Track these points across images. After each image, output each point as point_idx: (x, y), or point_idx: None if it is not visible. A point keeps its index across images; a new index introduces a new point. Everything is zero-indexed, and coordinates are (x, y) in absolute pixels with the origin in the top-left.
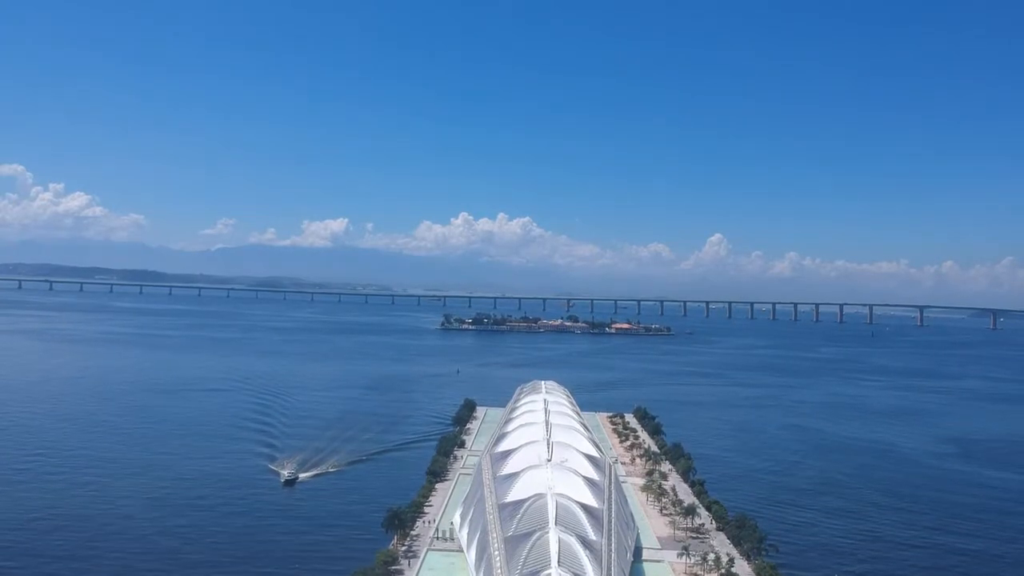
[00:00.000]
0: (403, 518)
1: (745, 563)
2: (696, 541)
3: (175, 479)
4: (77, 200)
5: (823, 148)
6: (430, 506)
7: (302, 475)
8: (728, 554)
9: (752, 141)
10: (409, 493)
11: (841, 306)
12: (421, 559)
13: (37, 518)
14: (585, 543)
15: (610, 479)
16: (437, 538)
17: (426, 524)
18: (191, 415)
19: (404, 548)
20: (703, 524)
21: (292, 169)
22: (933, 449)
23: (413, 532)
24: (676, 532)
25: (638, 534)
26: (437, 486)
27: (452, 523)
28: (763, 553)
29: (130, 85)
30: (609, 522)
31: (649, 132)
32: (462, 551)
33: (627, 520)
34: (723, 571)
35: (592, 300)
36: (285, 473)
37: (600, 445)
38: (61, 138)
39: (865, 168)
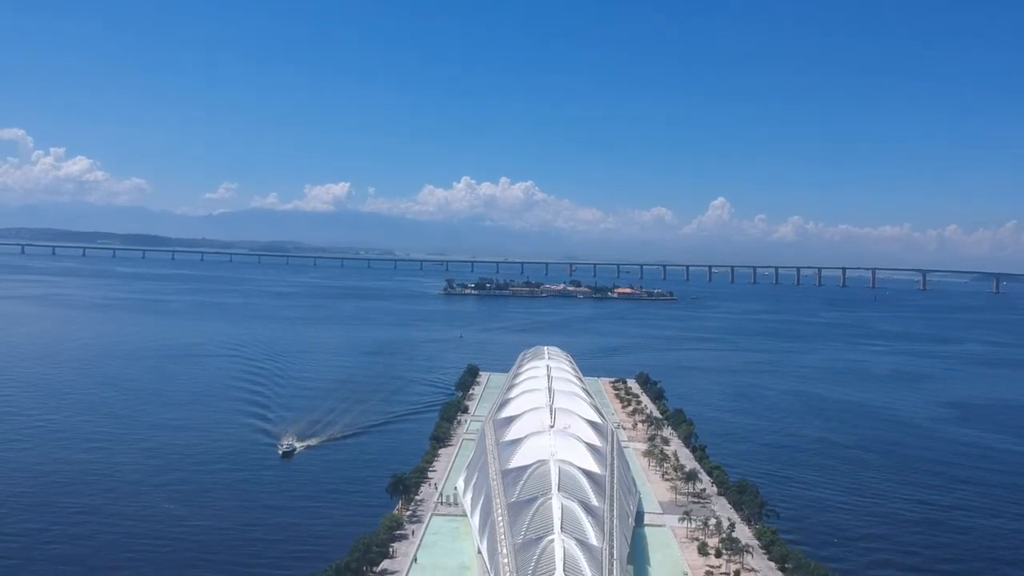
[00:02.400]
0: (407, 483)
1: (746, 528)
2: (697, 506)
3: (171, 449)
4: (78, 164)
5: (827, 112)
6: (434, 471)
7: (301, 445)
8: (729, 519)
9: (755, 105)
10: (413, 460)
11: (844, 270)
12: (425, 524)
13: (41, 482)
14: (587, 509)
15: (612, 445)
16: (441, 503)
17: (432, 488)
18: (191, 381)
19: (408, 513)
20: (704, 489)
21: (294, 133)
22: (933, 414)
23: (417, 497)
24: (677, 497)
25: (640, 499)
26: (441, 451)
27: (456, 488)
28: (764, 518)
29: (130, 49)
30: (611, 488)
31: (652, 96)
32: (466, 516)
33: (629, 485)
34: (724, 535)
35: (595, 265)
36: (283, 445)
37: (602, 411)
38: (61, 102)
39: (869, 132)
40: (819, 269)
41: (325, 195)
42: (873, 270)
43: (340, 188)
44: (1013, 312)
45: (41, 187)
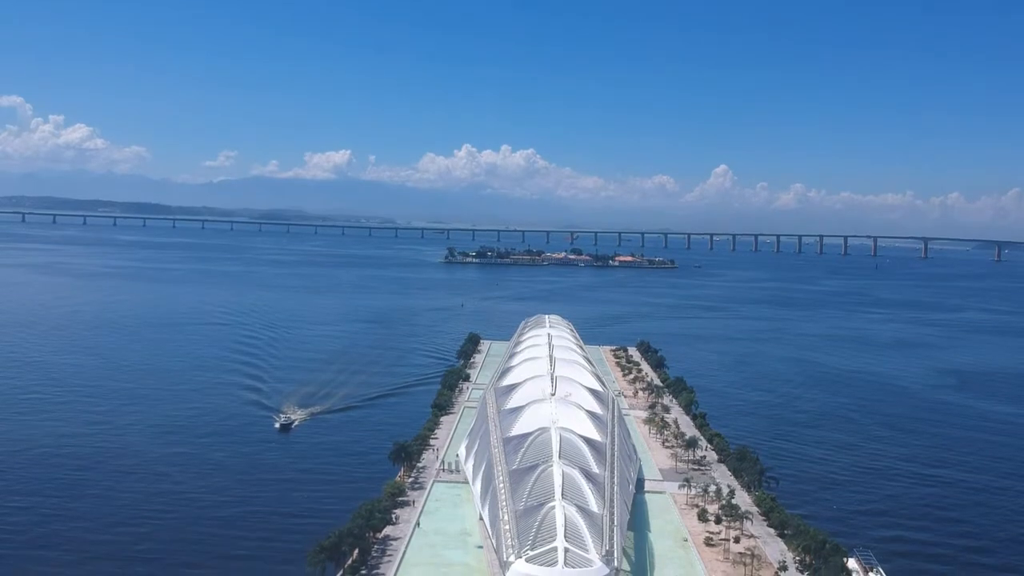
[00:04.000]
0: (409, 451)
1: (746, 495)
2: (697, 473)
3: (167, 420)
4: (78, 132)
5: (830, 79)
6: (435, 439)
7: (300, 416)
8: (729, 486)
9: (758, 72)
10: (414, 429)
11: (845, 238)
12: (427, 490)
13: (44, 448)
14: (588, 476)
15: (613, 412)
16: (443, 470)
17: (434, 455)
18: (190, 351)
19: (411, 480)
20: (704, 456)
21: (294, 100)
22: (932, 382)
23: (419, 464)
24: (678, 464)
25: (640, 466)
26: (442, 419)
27: (457, 456)
28: (764, 485)
29: (128, 16)
30: (612, 455)
31: (654, 64)
32: (467, 483)
33: (629, 453)
34: (724, 502)
35: (596, 233)
36: (281, 418)
37: (603, 379)
38: (60, 69)
39: (872, 99)
40: (821, 237)
41: (326, 163)
42: (875, 238)
43: (341, 156)
44: (1014, 280)
45: (41, 155)
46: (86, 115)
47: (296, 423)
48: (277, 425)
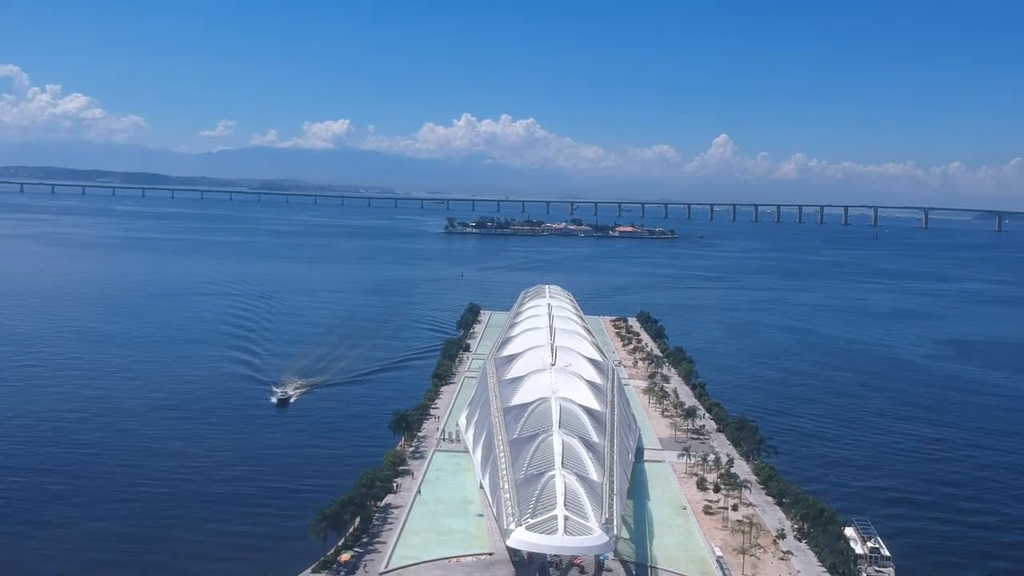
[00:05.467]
0: (410, 421)
1: (744, 463)
2: (696, 442)
3: (169, 392)
4: (75, 102)
5: (830, 48)
6: (436, 409)
7: (301, 389)
8: (728, 455)
9: (758, 41)
10: (415, 400)
11: (846, 208)
12: (428, 459)
13: (37, 424)
14: (588, 445)
15: (613, 382)
16: (443, 439)
17: (434, 425)
18: (191, 321)
19: (411, 449)
20: (704, 426)
21: (292, 70)
22: (931, 351)
23: (420, 434)
24: (677, 433)
25: (640, 435)
26: (443, 389)
27: (458, 425)
28: (762, 454)
29: None
30: (611, 424)
31: (655, 32)
32: (468, 452)
33: (629, 422)
34: (722, 471)
35: (596, 203)
36: (278, 392)
37: (603, 349)
38: (56, 38)
39: (873, 69)
40: (821, 207)
41: (324, 132)
42: (875, 208)
43: (339, 125)
44: (1014, 250)
45: (38, 124)
46: (83, 84)
47: (293, 399)
48: (274, 400)
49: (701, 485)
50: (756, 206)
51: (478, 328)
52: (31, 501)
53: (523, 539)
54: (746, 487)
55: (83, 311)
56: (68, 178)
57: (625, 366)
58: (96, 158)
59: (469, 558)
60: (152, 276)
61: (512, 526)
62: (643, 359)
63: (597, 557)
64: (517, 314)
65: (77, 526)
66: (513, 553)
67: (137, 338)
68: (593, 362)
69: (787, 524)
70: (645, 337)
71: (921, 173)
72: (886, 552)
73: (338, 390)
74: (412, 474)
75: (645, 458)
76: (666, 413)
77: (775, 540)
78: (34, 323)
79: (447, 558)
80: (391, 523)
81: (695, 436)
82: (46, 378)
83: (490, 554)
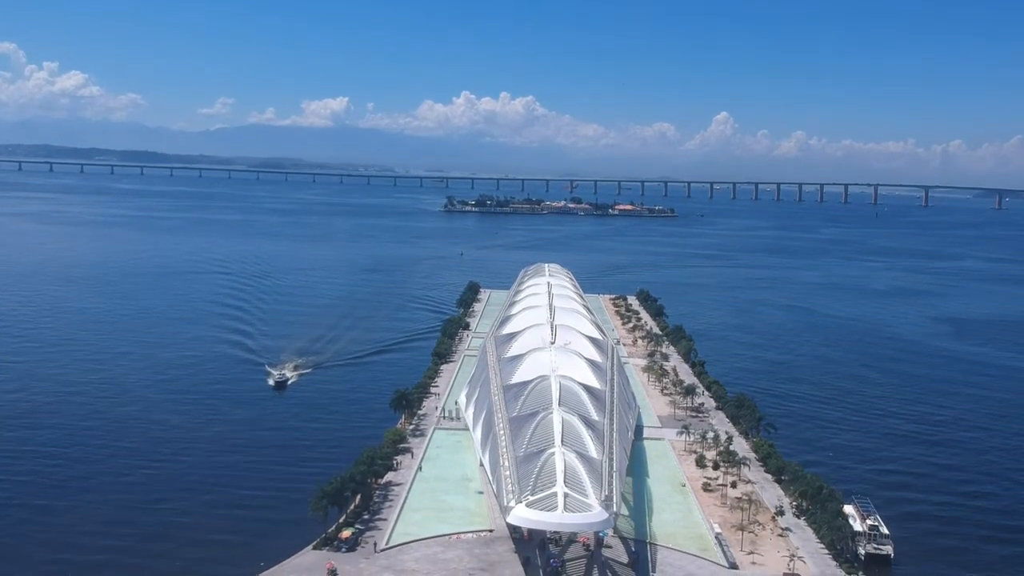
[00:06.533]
0: (410, 399)
1: (743, 441)
2: (696, 420)
3: (169, 370)
4: (72, 79)
5: (830, 26)
6: (436, 387)
7: (300, 371)
8: (727, 432)
9: (758, 19)
10: (415, 378)
11: (846, 186)
12: (428, 437)
13: (41, 406)
14: (587, 423)
15: (612, 360)
16: (444, 417)
17: (434, 403)
18: (188, 300)
19: (412, 427)
20: (703, 404)
21: (290, 47)
22: (930, 329)
23: (420, 412)
24: (676, 411)
25: (639, 413)
26: (443, 367)
27: (458, 403)
28: (761, 431)
29: None
30: (611, 402)
31: (655, 9)
32: (468, 430)
33: (628, 400)
34: (722, 449)
35: (595, 182)
36: (275, 375)
37: (603, 327)
38: (53, 15)
39: (873, 46)
40: (821, 185)
41: (323, 110)
42: (875, 186)
43: (338, 103)
44: (1014, 228)
45: (36, 102)
46: (81, 62)
47: (291, 380)
48: (272, 383)
49: (700, 462)
50: (756, 184)
51: (478, 306)
52: (28, 485)
53: (523, 516)
54: (745, 464)
55: (81, 291)
56: (66, 156)
57: (625, 344)
58: (94, 136)
59: (469, 535)
60: (150, 255)
61: (512, 503)
62: (642, 337)
63: (596, 534)
64: (517, 292)
65: (75, 510)
66: (513, 530)
67: (134, 318)
68: (593, 340)
69: (786, 501)
70: (644, 315)
71: (922, 151)
72: (885, 530)
73: (337, 371)
74: (412, 452)
75: (644, 436)
76: (665, 391)
77: (774, 517)
78: (31, 305)
79: (447, 535)
80: (391, 500)
81: (694, 414)
82: (41, 360)
83: (490, 531)
